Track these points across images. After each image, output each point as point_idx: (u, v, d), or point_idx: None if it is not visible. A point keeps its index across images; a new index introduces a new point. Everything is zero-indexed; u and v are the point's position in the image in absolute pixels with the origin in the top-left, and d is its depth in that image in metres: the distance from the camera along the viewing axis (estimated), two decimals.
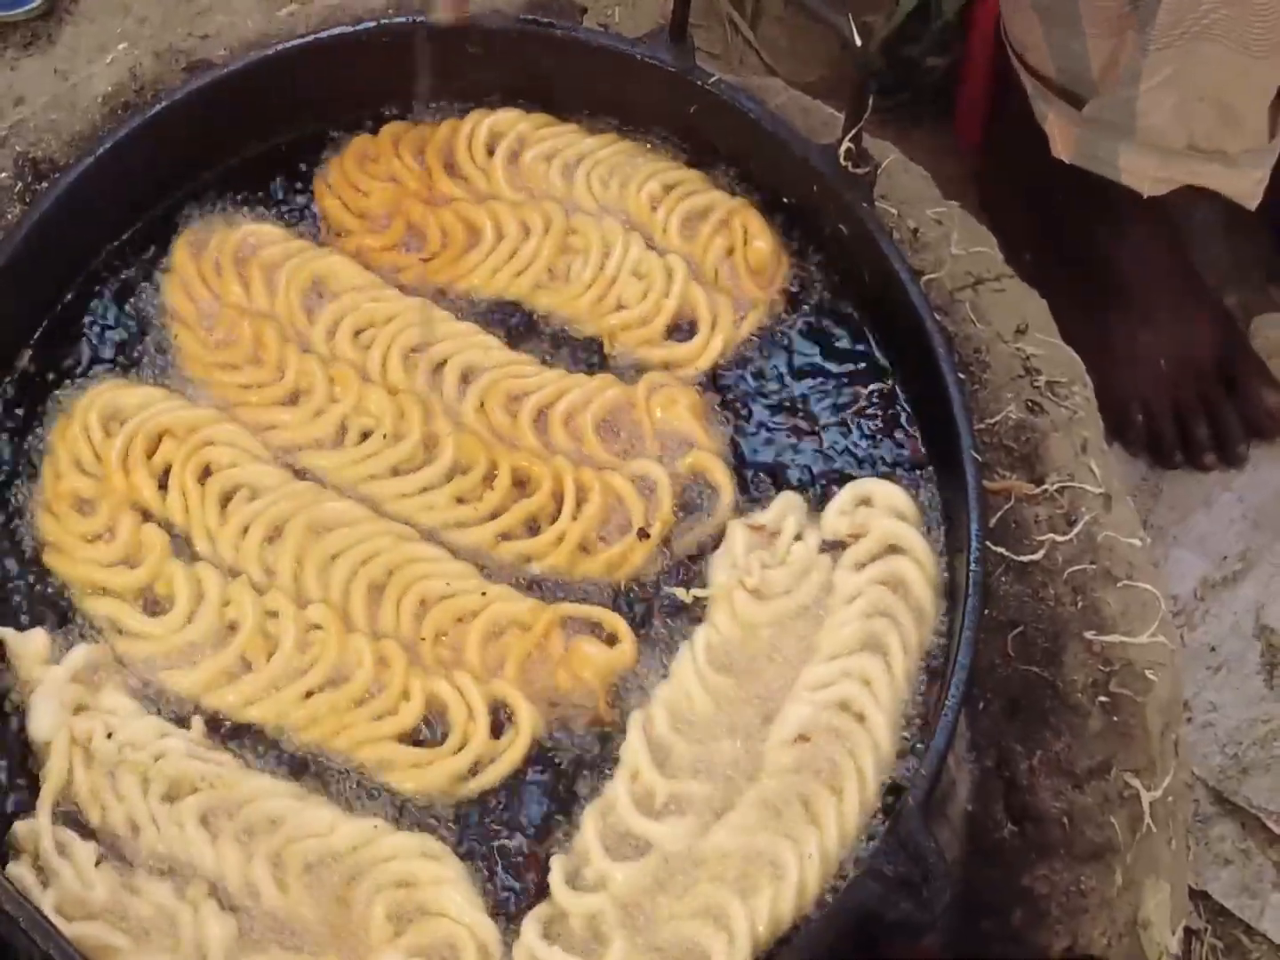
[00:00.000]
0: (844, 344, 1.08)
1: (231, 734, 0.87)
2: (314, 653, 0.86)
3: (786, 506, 0.96)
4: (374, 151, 1.09)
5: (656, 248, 1.07)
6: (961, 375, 1.01)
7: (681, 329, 1.07)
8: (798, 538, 0.97)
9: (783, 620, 0.95)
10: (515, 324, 1.06)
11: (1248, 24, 1.21)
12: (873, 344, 1.07)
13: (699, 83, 1.07)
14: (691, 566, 0.95)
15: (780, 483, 1.01)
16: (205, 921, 0.78)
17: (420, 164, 1.09)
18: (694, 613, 0.95)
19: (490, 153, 1.10)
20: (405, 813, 0.87)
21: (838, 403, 1.06)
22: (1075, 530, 1.09)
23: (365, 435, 0.94)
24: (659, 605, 0.94)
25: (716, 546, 0.98)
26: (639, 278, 1.06)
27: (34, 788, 0.82)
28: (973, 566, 0.90)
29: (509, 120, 1.10)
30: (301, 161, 1.12)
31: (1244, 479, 1.54)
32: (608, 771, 0.88)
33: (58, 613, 0.91)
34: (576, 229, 1.08)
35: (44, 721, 0.83)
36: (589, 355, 1.05)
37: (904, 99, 1.76)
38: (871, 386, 1.06)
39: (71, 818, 0.83)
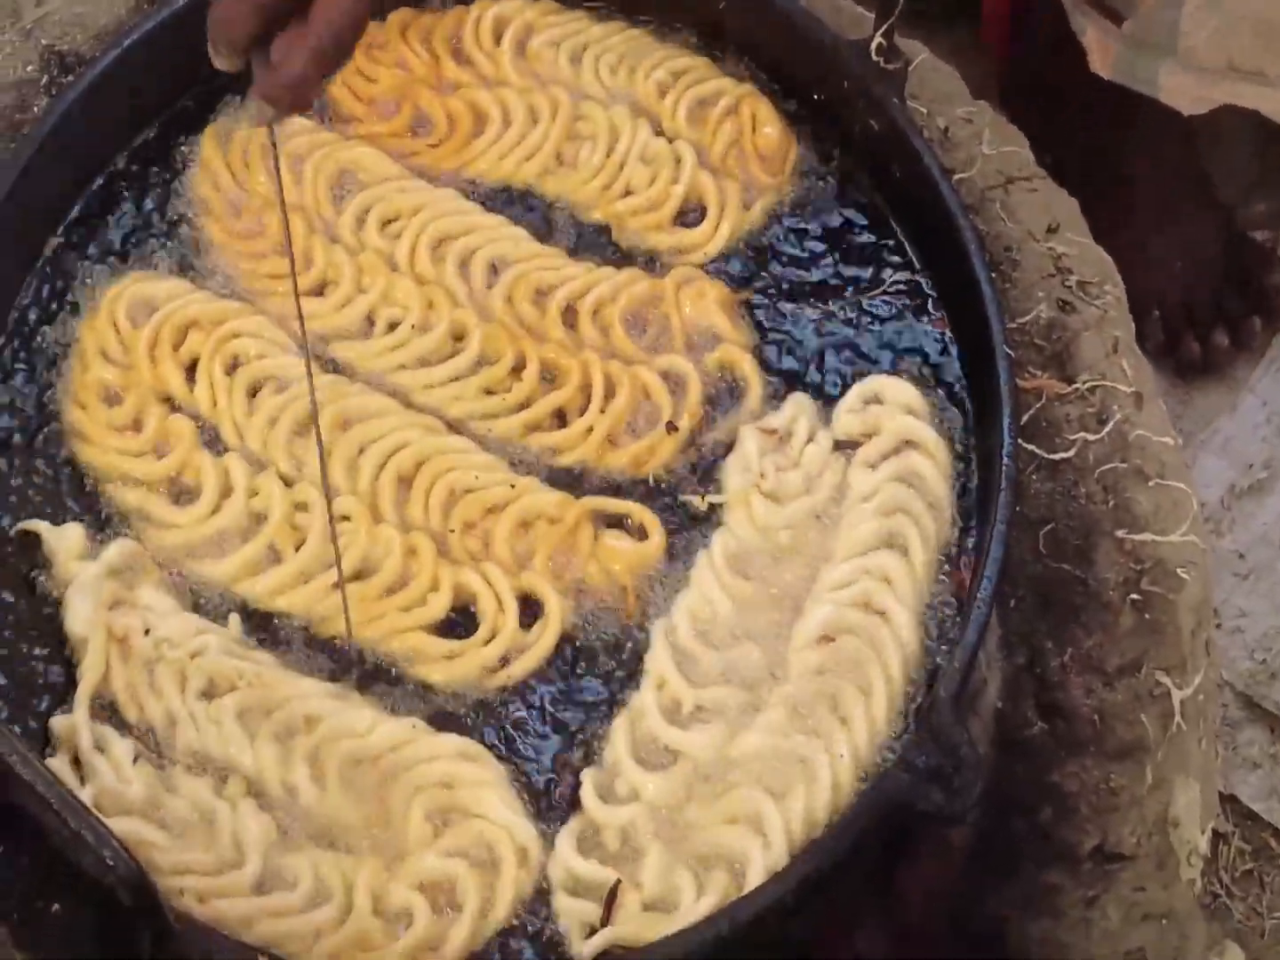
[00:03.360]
0: (867, 238, 1.07)
1: (269, 634, 0.87)
2: (342, 544, 0.84)
3: (797, 408, 0.95)
4: (381, 39, 1.09)
5: (665, 134, 1.07)
6: (992, 274, 0.99)
7: (690, 215, 1.06)
8: (810, 439, 0.95)
9: (800, 522, 0.94)
10: (522, 210, 1.05)
11: None
12: (899, 240, 1.06)
13: None
14: (717, 465, 0.94)
15: (792, 378, 0.99)
16: (244, 819, 0.78)
17: (427, 51, 1.09)
18: (714, 518, 0.94)
19: (497, 40, 1.09)
20: (440, 715, 0.86)
21: (856, 295, 1.04)
22: (1107, 429, 1.06)
23: (393, 326, 0.93)
24: (680, 507, 0.94)
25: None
26: (646, 164, 1.06)
27: (72, 682, 0.82)
28: (1005, 462, 0.89)
29: (515, 7, 1.11)
30: None
31: (1267, 381, 1.58)
32: (635, 680, 0.87)
33: (94, 510, 0.90)
34: (584, 115, 1.08)
35: (80, 617, 0.82)
36: (597, 242, 1.04)
37: (934, 2, 1.73)
38: (894, 279, 1.04)
39: (109, 713, 0.82)
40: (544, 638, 0.84)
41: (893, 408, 0.95)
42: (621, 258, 1.03)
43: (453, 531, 0.87)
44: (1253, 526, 1.50)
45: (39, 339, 0.98)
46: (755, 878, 0.80)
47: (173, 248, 1.01)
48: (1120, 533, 1.04)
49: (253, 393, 0.91)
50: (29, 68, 1.17)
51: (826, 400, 0.98)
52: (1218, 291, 1.58)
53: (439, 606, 0.85)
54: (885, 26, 1.00)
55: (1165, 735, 1.02)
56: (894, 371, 1.00)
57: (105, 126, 1.02)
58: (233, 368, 0.91)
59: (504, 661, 0.85)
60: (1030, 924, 1.04)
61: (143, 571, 0.87)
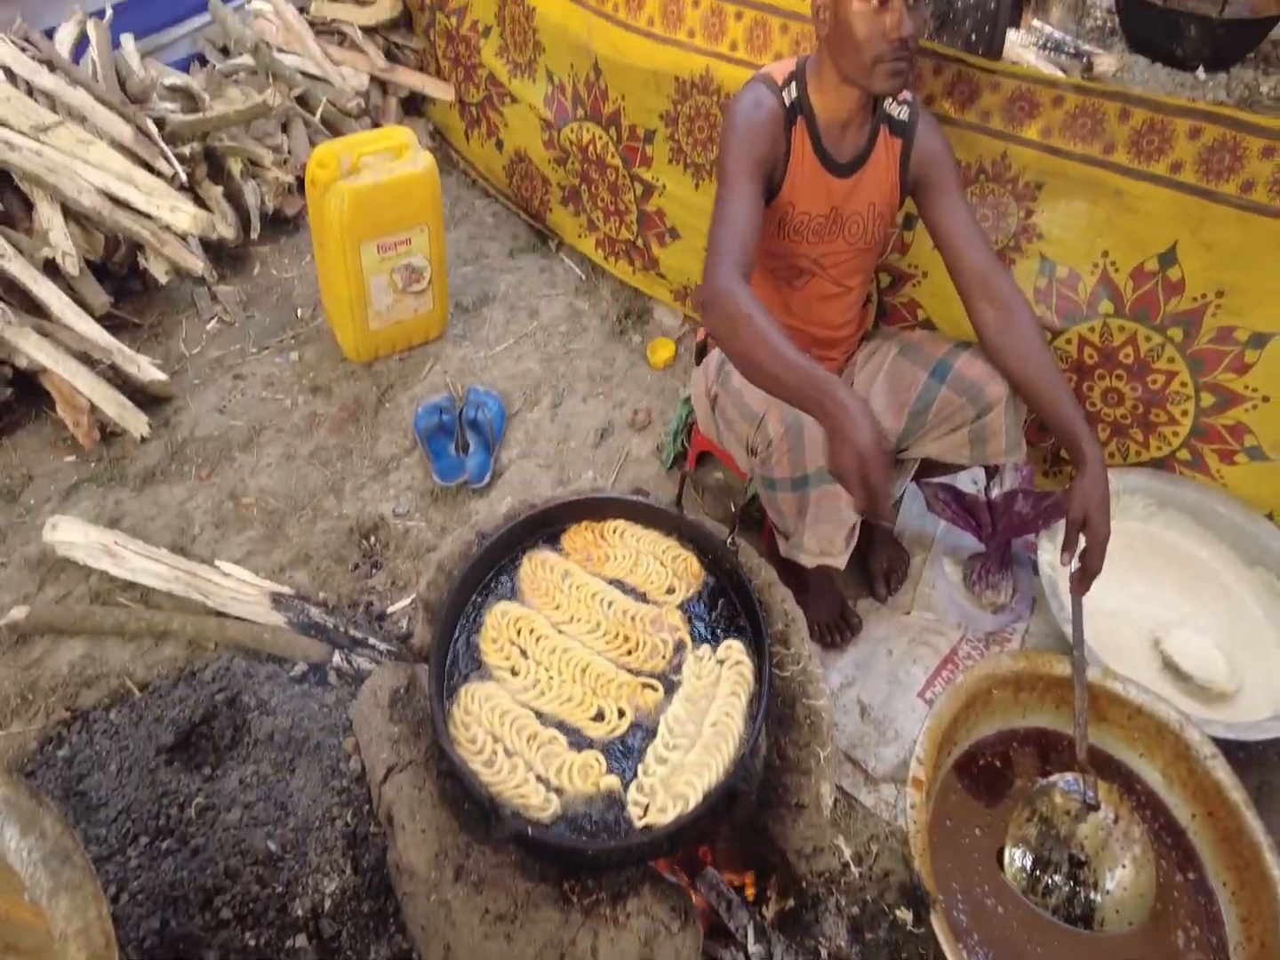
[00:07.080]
0: (728, 610, 1.90)
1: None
2: (564, 692, 1.74)
3: (706, 649, 1.76)
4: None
5: (663, 563, 1.92)
6: (763, 616, 1.81)
7: (671, 590, 1.89)
8: (709, 659, 1.78)
9: (706, 687, 1.75)
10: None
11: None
12: (735, 604, 1.90)
13: (687, 517, 1.98)
14: (680, 667, 1.73)
15: (701, 637, 1.78)
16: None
17: (594, 533, 2.01)
18: (679, 685, 1.70)
19: (614, 533, 2.03)
20: (590, 745, 1.66)
21: (721, 655, 1.80)
22: (799, 665, 1.91)
23: (590, 631, 1.85)
24: (667, 682, 1.72)
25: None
26: (662, 566, 1.95)
27: None
28: (769, 673, 1.69)
29: (622, 525, 2.03)
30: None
31: (845, 658, 2.48)
32: (654, 735, 1.64)
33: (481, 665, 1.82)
34: (639, 557, 1.97)
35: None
36: (635, 592, 1.85)
37: (749, 529, 2.66)
38: (736, 614, 1.89)
39: None
40: (625, 721, 1.70)
41: (736, 649, 1.78)
42: (644, 601, 1.86)
43: (595, 688, 1.74)
44: (849, 693, 2.36)
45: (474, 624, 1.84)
46: (691, 807, 1.55)
47: (519, 595, 1.88)
48: (804, 699, 1.88)
49: (538, 640, 1.81)
50: (468, 539, 2.10)
51: (715, 643, 1.79)
52: (835, 621, 2.50)
53: (592, 710, 1.72)
54: (731, 536, 1.93)
55: (818, 765, 1.81)
56: (737, 638, 1.80)
57: (493, 554, 1.90)
58: (533, 634, 1.82)
59: (612, 729, 1.70)
60: (774, 826, 1.78)
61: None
